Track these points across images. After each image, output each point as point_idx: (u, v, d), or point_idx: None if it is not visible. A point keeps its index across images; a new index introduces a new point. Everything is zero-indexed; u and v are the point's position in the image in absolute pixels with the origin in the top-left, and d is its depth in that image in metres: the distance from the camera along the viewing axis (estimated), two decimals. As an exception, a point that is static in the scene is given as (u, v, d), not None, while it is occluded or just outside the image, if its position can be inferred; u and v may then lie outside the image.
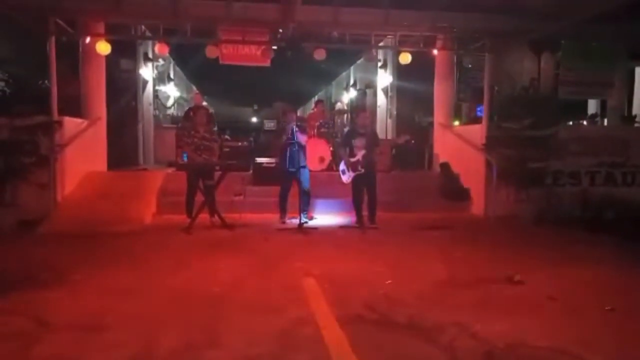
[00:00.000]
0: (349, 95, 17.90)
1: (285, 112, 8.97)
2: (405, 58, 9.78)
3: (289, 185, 8.20)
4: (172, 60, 15.86)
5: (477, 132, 9.55)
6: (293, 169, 8.00)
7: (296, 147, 7.96)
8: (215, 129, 8.58)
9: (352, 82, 17.44)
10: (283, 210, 8.32)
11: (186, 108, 13.73)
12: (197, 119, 8.19)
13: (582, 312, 4.23)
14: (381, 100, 14.73)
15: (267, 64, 9.97)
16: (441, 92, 11.17)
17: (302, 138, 8.18)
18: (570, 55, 10.01)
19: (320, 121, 11.33)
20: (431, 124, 11.55)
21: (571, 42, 10.00)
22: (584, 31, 9.62)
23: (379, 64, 14.05)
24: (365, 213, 8.08)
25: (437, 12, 8.98)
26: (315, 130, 10.95)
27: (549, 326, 3.87)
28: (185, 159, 8.07)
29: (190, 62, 14.45)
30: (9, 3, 8.11)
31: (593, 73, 9.95)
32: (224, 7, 8.67)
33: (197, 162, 7.86)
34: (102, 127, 10.01)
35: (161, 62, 14.69)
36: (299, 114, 21.91)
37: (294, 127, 8.05)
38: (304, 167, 8.19)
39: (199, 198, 7.94)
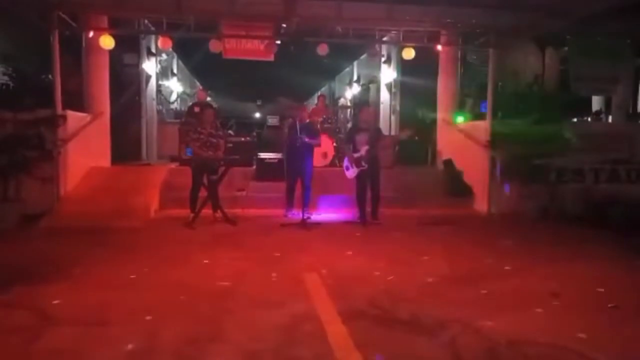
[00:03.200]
0: (352, 91, 17.87)
1: (293, 108, 8.91)
2: (409, 53, 9.74)
3: (294, 181, 8.18)
4: (175, 55, 15.85)
5: (481, 128, 9.52)
6: (302, 163, 7.97)
7: (301, 143, 7.93)
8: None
9: (355, 77, 17.39)
10: (289, 204, 8.32)
11: (189, 103, 13.72)
12: (205, 117, 8.20)
13: (585, 309, 4.22)
14: (384, 96, 14.69)
15: (271, 58, 9.95)
16: (445, 88, 11.12)
17: (308, 138, 8.11)
18: (577, 51, 9.95)
19: (324, 116, 11.32)
20: (435, 120, 11.52)
21: (578, 37, 9.94)
22: (589, 27, 9.56)
23: (383, 59, 14.01)
24: (368, 209, 8.08)
25: (441, 7, 8.93)
26: (319, 126, 10.94)
27: (551, 323, 3.87)
28: (189, 154, 8.07)
29: (193, 57, 14.43)
30: (12, -3, 8.12)
31: (602, 69, 9.88)
32: (227, 1, 8.64)
33: (203, 158, 7.87)
34: (105, 122, 10.00)
35: (164, 56, 14.67)
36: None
37: (297, 124, 8.02)
38: (308, 164, 8.18)
39: (202, 193, 7.95)
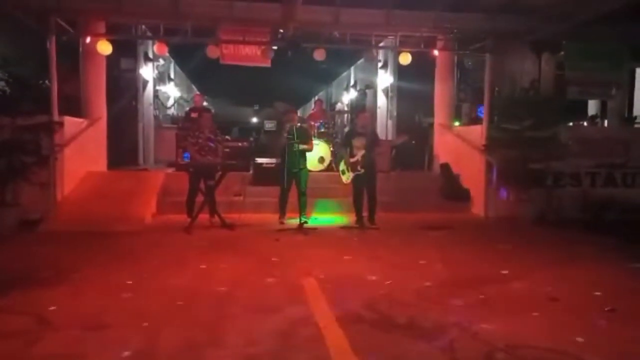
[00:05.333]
0: (349, 96, 17.91)
1: (285, 112, 8.91)
2: (406, 58, 9.77)
3: (288, 186, 8.17)
4: (172, 60, 15.87)
5: (478, 132, 9.56)
6: (295, 170, 7.98)
7: (296, 147, 7.94)
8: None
9: (352, 82, 17.44)
10: (282, 211, 8.30)
11: (187, 108, 13.73)
12: (203, 122, 8.21)
13: (582, 312, 4.23)
14: (381, 100, 14.73)
15: (268, 64, 9.97)
16: (442, 92, 11.16)
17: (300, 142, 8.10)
18: (573, 56, 10.02)
19: (320, 121, 11.33)
20: (432, 124, 11.56)
21: (574, 42, 10.01)
22: (585, 32, 9.62)
23: (380, 64, 14.06)
24: (365, 213, 8.08)
25: (437, 12, 8.98)
26: (315, 130, 10.95)
27: (549, 327, 3.88)
28: (186, 159, 8.07)
29: (190, 62, 14.47)
30: (10, 2, 8.12)
31: (598, 73, 9.95)
32: (225, 7, 8.68)
33: (200, 163, 7.87)
34: (102, 127, 10.00)
35: (161, 62, 14.68)
36: (299, 114, 21.90)
37: (294, 127, 8.02)
38: (304, 168, 8.17)
39: (199, 198, 7.95)
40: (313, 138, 9.93)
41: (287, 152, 7.95)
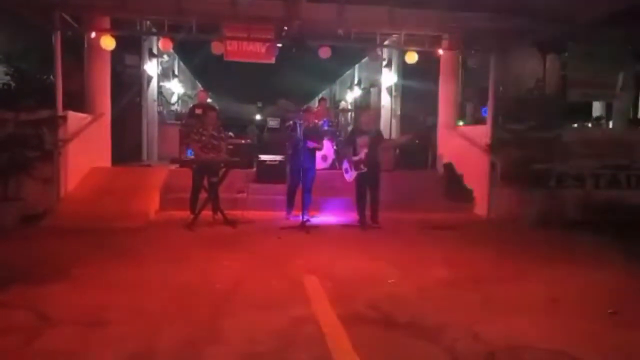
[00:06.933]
0: (353, 94, 17.89)
1: (303, 111, 8.87)
2: (412, 57, 9.73)
3: (296, 183, 8.17)
4: (176, 56, 15.87)
5: (482, 132, 9.52)
6: (304, 167, 7.98)
7: (305, 146, 7.93)
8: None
9: (356, 81, 17.42)
10: (290, 206, 8.32)
11: (190, 105, 13.75)
12: (207, 119, 8.21)
13: (584, 314, 4.21)
14: (385, 99, 14.71)
15: (272, 61, 9.96)
16: (446, 92, 11.12)
17: (311, 144, 8.11)
18: (577, 57, 9.97)
19: (324, 119, 11.32)
20: (435, 124, 11.53)
21: (578, 43, 9.95)
22: (590, 33, 9.57)
23: (384, 63, 14.02)
24: (367, 212, 8.07)
25: (442, 11, 8.94)
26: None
27: (550, 328, 3.86)
28: (190, 156, 8.08)
29: (194, 59, 14.44)
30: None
31: (601, 75, 9.90)
32: (228, 3, 8.66)
33: (204, 160, 7.87)
34: (106, 123, 10.00)
35: (166, 58, 14.69)
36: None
37: (299, 125, 8.01)
38: (310, 168, 8.16)
39: (202, 195, 7.95)
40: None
41: (298, 150, 7.92)
